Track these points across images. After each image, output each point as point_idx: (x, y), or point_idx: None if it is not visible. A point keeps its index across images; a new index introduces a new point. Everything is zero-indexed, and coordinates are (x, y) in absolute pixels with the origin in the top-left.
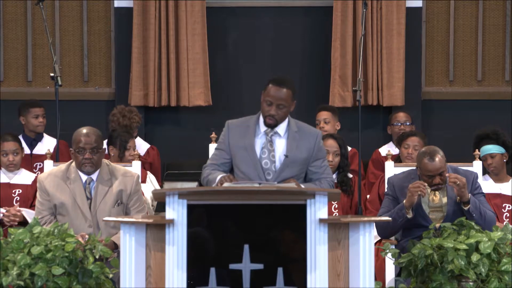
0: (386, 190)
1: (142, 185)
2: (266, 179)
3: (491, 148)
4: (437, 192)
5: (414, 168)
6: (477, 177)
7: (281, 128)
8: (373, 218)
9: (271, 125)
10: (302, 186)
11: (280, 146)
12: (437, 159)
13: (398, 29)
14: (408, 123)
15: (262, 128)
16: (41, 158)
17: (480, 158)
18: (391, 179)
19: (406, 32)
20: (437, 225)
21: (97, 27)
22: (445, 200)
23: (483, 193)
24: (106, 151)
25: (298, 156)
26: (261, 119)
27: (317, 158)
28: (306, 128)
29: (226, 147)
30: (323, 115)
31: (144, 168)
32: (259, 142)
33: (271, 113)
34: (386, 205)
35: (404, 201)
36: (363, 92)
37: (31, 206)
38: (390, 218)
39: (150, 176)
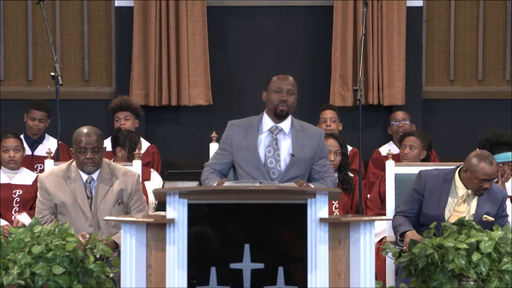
0: (414, 184)
1: (147, 183)
2: (271, 179)
3: (510, 156)
4: (466, 201)
5: (449, 168)
6: (506, 198)
7: (286, 125)
8: (373, 218)
9: (284, 111)
10: (312, 185)
11: (285, 145)
12: (494, 163)
13: (398, 28)
14: (406, 121)
15: (266, 126)
16: (43, 159)
17: None
18: (423, 173)
19: (406, 32)
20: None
21: (98, 26)
22: (472, 212)
23: (507, 215)
24: (112, 151)
25: (304, 155)
26: (265, 118)
27: (321, 157)
28: (309, 127)
29: (229, 147)
30: (329, 113)
31: (145, 166)
32: (264, 140)
33: (282, 98)
34: (409, 202)
35: (407, 236)
36: (364, 91)
37: (32, 207)
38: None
39: (154, 174)
